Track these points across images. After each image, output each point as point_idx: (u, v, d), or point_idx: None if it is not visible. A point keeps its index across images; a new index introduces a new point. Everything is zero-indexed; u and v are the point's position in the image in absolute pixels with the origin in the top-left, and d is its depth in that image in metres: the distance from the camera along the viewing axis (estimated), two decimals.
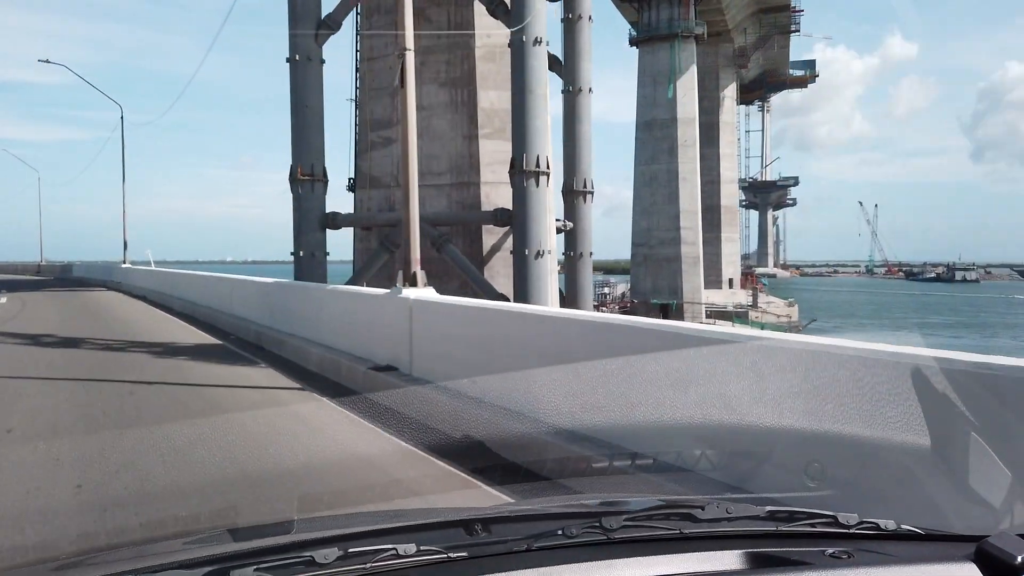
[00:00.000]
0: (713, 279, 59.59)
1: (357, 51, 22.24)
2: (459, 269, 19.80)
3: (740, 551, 1.41)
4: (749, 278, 66.57)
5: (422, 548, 1.31)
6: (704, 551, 1.41)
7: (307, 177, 19.70)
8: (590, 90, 22.92)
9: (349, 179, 23.63)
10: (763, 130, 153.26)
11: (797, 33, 68.02)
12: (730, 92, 63.71)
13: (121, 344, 12.31)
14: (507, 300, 18.23)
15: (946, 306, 75.83)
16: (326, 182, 20.16)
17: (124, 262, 33.94)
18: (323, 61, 20.00)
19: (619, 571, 1.31)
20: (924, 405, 3.30)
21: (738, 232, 66.61)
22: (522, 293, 18.40)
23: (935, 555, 1.44)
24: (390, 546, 1.29)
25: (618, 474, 4.14)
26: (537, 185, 18.31)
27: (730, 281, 61.08)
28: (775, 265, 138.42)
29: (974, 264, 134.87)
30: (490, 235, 20.59)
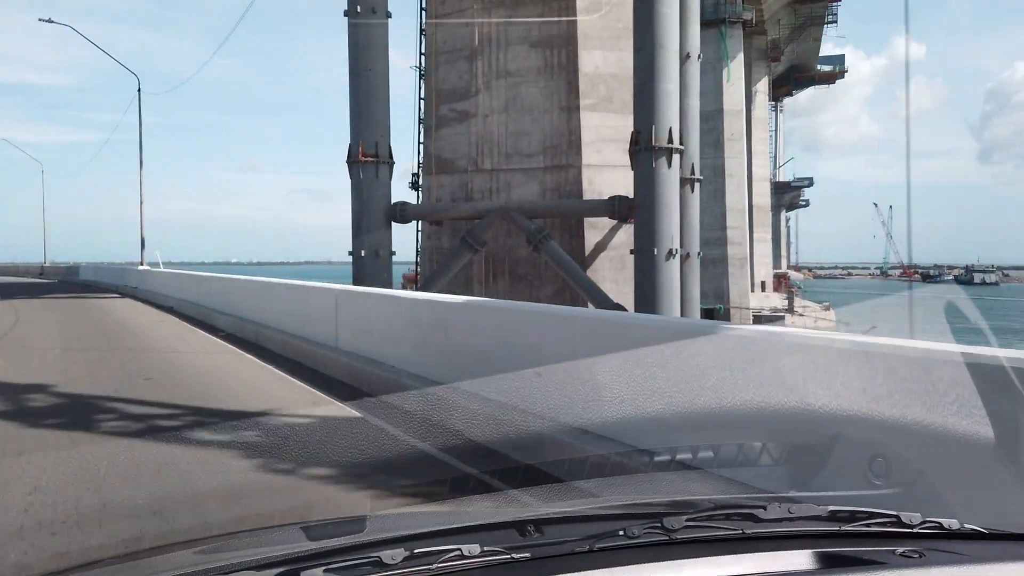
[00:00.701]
0: (745, 281, 56.32)
1: (423, 8, 18.40)
2: (561, 272, 15.98)
3: (808, 551, 1.39)
4: (782, 281, 62.62)
5: (486, 549, 1.29)
6: (769, 551, 1.38)
7: (370, 159, 15.88)
8: (699, 56, 19.17)
9: (413, 175, 19.83)
10: (776, 130, 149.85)
11: (834, 23, 64.88)
12: (762, 87, 59.90)
13: (176, 415, 6.69)
14: (623, 310, 14.46)
15: (983, 309, 72.21)
16: (392, 165, 16.34)
17: (141, 263, 29.82)
18: (389, 15, 16.23)
19: (687, 571, 1.28)
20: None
21: (770, 233, 62.15)
22: (648, 304, 14.58)
23: (1005, 554, 1.42)
24: (455, 547, 1.27)
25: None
26: (669, 165, 14.51)
27: (763, 284, 57.76)
28: (788, 267, 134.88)
29: (993, 266, 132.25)
30: (593, 230, 16.78)
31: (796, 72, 77.00)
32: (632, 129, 14.82)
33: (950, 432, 3.36)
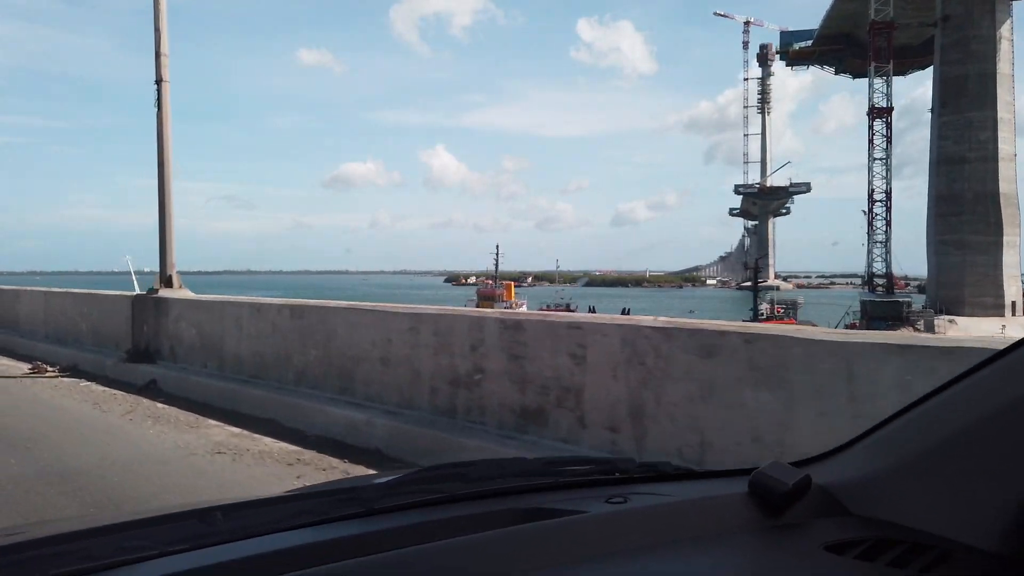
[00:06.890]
0: (989, 300, 44.80)
1: None
2: None
3: (513, 506, 1.38)
4: None
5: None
6: (474, 510, 1.35)
7: None
8: None
9: None
10: (764, 130, 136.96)
11: None
12: (1006, 31, 45.85)
13: None
14: None
15: None
16: None
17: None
18: None
19: (376, 542, 1.19)
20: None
21: (1019, 235, 46.67)
22: None
23: (709, 490, 1.46)
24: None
25: None
26: None
27: (1012, 305, 45.36)
28: (774, 278, 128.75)
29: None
30: None
31: None
32: None
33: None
